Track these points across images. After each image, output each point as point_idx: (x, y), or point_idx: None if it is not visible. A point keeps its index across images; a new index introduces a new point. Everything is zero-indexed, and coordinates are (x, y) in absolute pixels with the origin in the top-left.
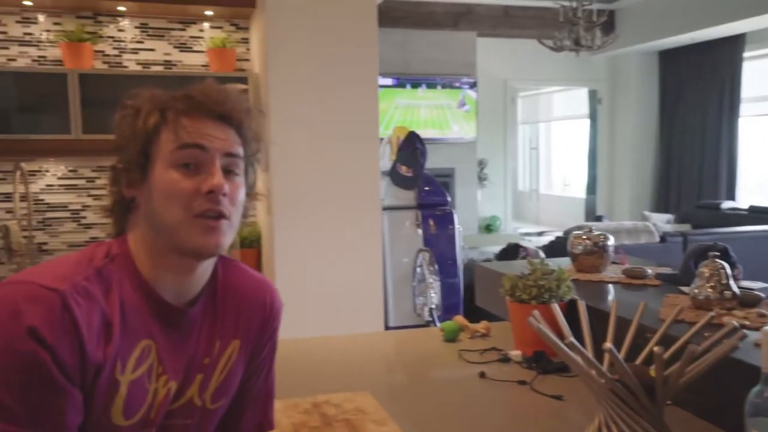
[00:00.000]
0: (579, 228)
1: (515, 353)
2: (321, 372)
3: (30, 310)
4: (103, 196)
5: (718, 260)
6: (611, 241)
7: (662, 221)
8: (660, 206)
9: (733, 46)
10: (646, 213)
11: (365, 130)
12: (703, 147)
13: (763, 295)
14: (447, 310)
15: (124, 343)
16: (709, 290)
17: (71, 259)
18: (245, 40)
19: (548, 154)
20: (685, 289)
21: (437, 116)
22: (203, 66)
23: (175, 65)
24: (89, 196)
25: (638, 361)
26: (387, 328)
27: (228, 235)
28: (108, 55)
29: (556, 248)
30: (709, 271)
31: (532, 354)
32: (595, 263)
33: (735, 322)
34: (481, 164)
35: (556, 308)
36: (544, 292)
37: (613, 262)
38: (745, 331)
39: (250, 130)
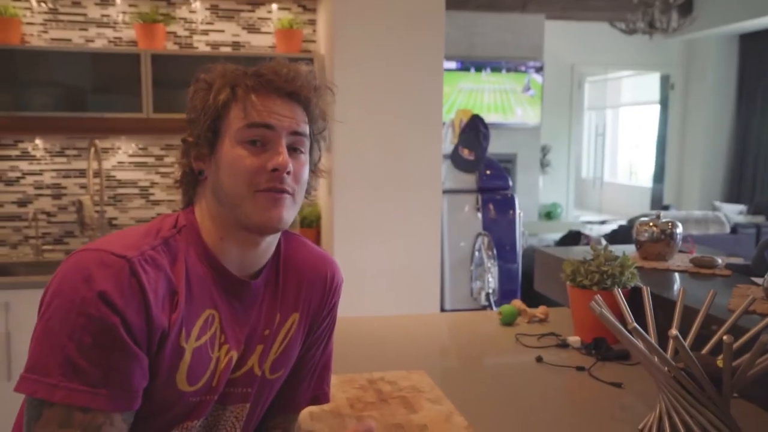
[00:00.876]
0: (645, 216)
1: (574, 339)
2: (377, 350)
3: (101, 275)
4: (170, 173)
5: None
6: (679, 229)
7: (734, 212)
8: (732, 197)
9: None
10: (717, 203)
11: (429, 113)
12: None
13: None
14: (504, 295)
15: (189, 312)
16: None
17: (140, 230)
18: (312, 22)
19: (614, 141)
20: (757, 280)
21: (501, 100)
22: (270, 47)
23: (243, 46)
24: (157, 173)
25: (705, 351)
26: (443, 310)
27: (291, 211)
28: (179, 36)
29: (619, 237)
30: None
31: (592, 340)
32: (662, 251)
33: None
34: (544, 150)
35: (619, 294)
36: (607, 278)
37: (681, 251)
38: None
39: (317, 108)
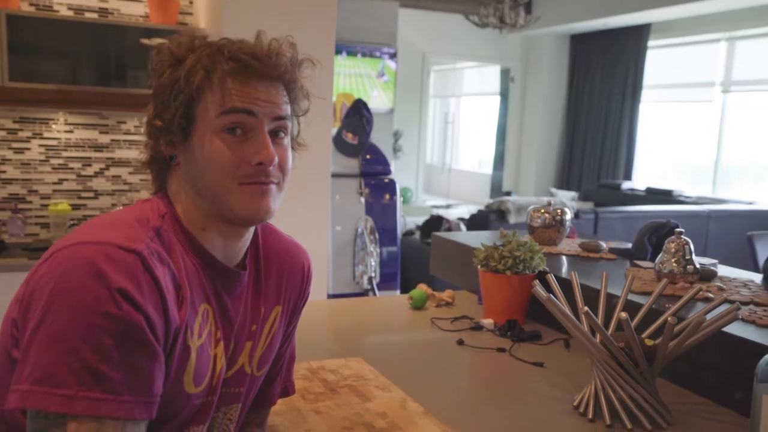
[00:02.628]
0: (535, 202)
1: (487, 321)
2: (301, 338)
3: (113, 270)
4: (25, 149)
5: (683, 237)
6: (568, 216)
7: (567, 198)
8: (563, 184)
9: (639, 34)
10: (552, 190)
11: (319, 94)
12: (606, 129)
13: (715, 269)
14: (384, 279)
15: (191, 307)
16: (674, 264)
17: (128, 218)
18: None
19: (458, 129)
20: (640, 262)
21: (357, 85)
22: (142, 17)
23: (111, 13)
24: (9, 149)
25: (646, 333)
26: (327, 296)
27: (278, 200)
28: None
29: (477, 220)
30: (675, 247)
31: (505, 322)
32: (553, 236)
33: (720, 296)
34: (396, 136)
35: (552, 278)
36: (519, 263)
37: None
38: (737, 304)
39: (301, 88)
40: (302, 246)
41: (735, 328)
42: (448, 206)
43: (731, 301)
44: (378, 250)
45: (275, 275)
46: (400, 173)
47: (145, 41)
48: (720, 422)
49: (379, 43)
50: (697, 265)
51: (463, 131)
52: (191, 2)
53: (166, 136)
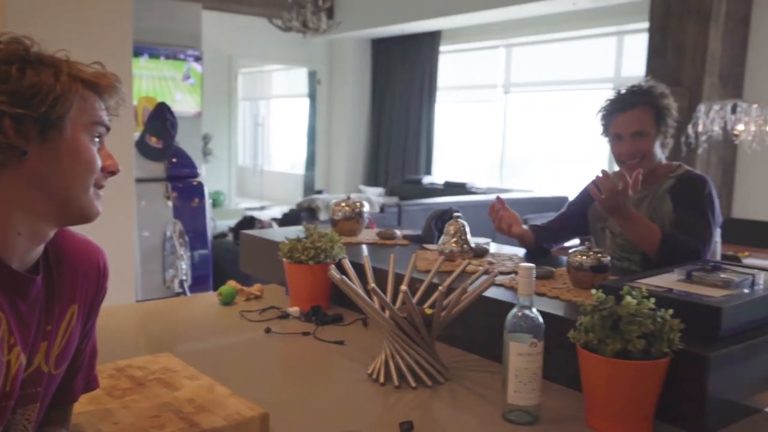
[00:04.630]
0: (338, 197)
1: (293, 309)
2: (109, 340)
3: None
4: None
5: (460, 220)
6: (366, 208)
7: (375, 194)
8: (371, 181)
9: (432, 40)
10: (361, 187)
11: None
12: (408, 128)
13: (488, 247)
14: (197, 281)
15: None
16: (453, 245)
17: None
18: None
19: (269, 131)
20: (428, 246)
21: (160, 87)
22: None
23: None
24: None
25: (397, 304)
26: (137, 302)
27: None
28: None
29: (289, 219)
30: (454, 229)
31: (309, 309)
32: (353, 228)
33: (482, 268)
34: (206, 139)
35: (347, 263)
36: (321, 253)
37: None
38: (493, 273)
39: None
40: (96, 244)
41: (495, 293)
42: (261, 208)
43: (504, 273)
44: (189, 254)
45: (69, 275)
46: (211, 177)
47: None
48: (486, 372)
49: (182, 45)
50: (473, 245)
51: (274, 133)
52: None
53: (20, 125)
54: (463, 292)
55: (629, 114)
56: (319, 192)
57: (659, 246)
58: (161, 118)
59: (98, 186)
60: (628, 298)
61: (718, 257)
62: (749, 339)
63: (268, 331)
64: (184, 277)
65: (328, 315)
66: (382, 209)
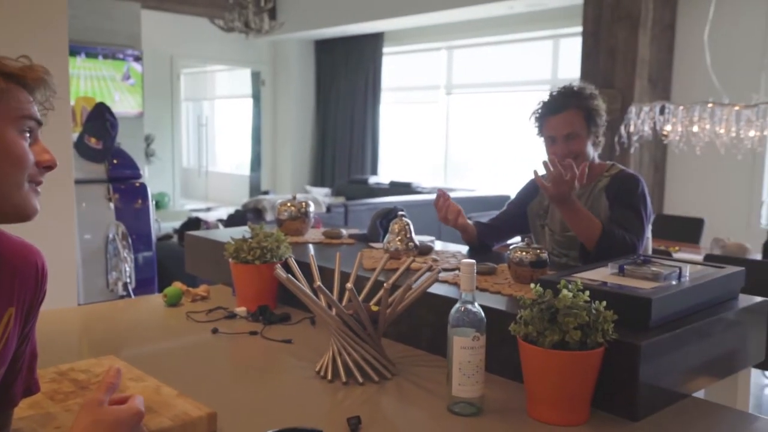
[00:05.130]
0: (283, 198)
1: (240, 309)
2: (51, 344)
3: None
4: None
5: (405, 218)
6: (312, 208)
7: (321, 194)
8: (318, 181)
9: (375, 42)
10: (308, 187)
11: (55, 99)
12: (353, 129)
13: (433, 245)
14: (141, 284)
15: None
16: (398, 243)
17: None
18: None
19: (214, 131)
20: (374, 244)
21: (99, 87)
22: None
23: None
24: None
25: (344, 302)
26: (79, 305)
27: None
28: None
29: (235, 220)
30: (398, 228)
31: (256, 308)
32: (299, 227)
33: (426, 265)
34: (148, 140)
35: (294, 263)
36: (267, 253)
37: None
38: (437, 270)
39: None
40: (33, 246)
41: (439, 289)
42: (207, 209)
43: (447, 270)
44: (132, 256)
45: (7, 276)
46: (154, 178)
47: None
48: (432, 367)
49: (121, 45)
50: (417, 242)
51: (218, 134)
52: None
53: None
54: (407, 289)
55: (560, 117)
56: (266, 192)
57: (599, 239)
58: (101, 119)
59: (34, 182)
60: (565, 292)
61: (650, 252)
62: (677, 328)
63: (215, 331)
64: (127, 280)
65: (275, 314)
66: (329, 209)
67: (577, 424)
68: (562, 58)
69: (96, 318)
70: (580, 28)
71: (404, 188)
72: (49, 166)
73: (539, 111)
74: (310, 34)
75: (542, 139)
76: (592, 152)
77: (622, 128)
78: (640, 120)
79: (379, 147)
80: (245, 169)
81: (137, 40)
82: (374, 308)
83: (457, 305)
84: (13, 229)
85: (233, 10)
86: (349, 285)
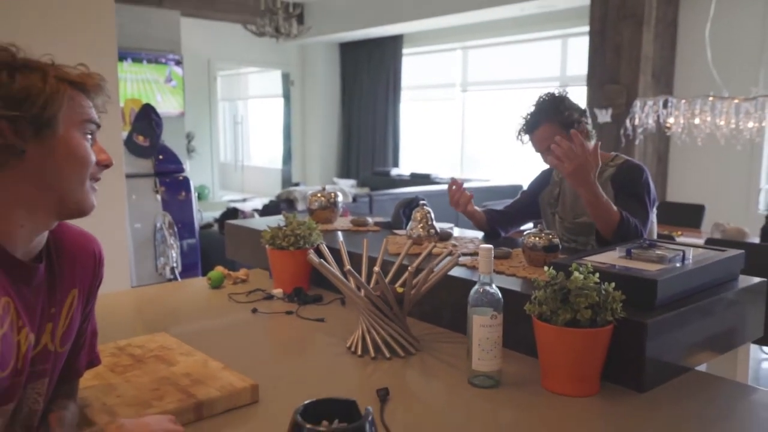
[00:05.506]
0: (313, 189)
1: (277, 291)
2: (109, 323)
3: None
4: None
5: (426, 207)
6: (340, 198)
7: (347, 185)
8: (344, 173)
9: (395, 43)
10: (335, 179)
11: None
12: (375, 125)
13: (452, 231)
14: (186, 268)
15: None
16: (421, 229)
17: None
18: None
19: (248, 129)
20: (397, 231)
21: (144, 90)
22: None
23: None
24: None
25: (371, 284)
26: (132, 288)
27: None
28: None
29: (269, 210)
30: (420, 216)
31: (291, 290)
32: (329, 216)
33: (446, 250)
34: (189, 137)
35: (324, 247)
36: (300, 239)
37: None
38: (457, 254)
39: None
40: (91, 234)
41: (458, 272)
42: (243, 200)
43: (466, 254)
44: (178, 243)
45: (69, 262)
46: (195, 172)
47: None
48: (453, 343)
49: (163, 50)
50: (438, 229)
51: (252, 131)
52: None
53: (16, 125)
54: (430, 272)
55: (536, 134)
56: (296, 184)
57: (617, 227)
58: (147, 118)
59: (94, 179)
60: (576, 274)
61: (655, 236)
62: (680, 307)
63: (254, 311)
64: (174, 265)
65: (308, 295)
66: (355, 199)
67: (587, 395)
68: (570, 56)
69: (148, 299)
70: (587, 28)
71: (424, 179)
72: (107, 165)
73: (520, 131)
74: (335, 37)
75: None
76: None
77: (628, 121)
78: (644, 113)
79: (399, 141)
80: (277, 163)
81: (177, 46)
82: (399, 290)
83: (476, 286)
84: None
85: (264, 16)
86: (376, 268)
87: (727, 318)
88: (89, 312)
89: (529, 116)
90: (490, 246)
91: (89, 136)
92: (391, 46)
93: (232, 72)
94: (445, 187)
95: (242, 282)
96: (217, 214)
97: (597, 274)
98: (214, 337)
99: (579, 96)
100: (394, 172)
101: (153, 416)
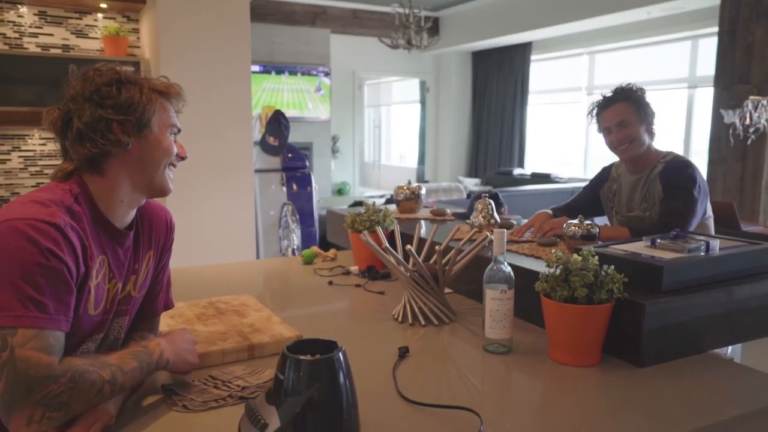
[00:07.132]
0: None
1: (354, 268)
2: (213, 284)
3: (43, 238)
4: (4, 160)
5: (487, 199)
6: (423, 191)
7: (472, 184)
8: (472, 172)
9: (524, 51)
10: (460, 177)
11: (240, 108)
12: (503, 127)
13: (515, 222)
14: None
15: (92, 259)
16: (481, 219)
17: (44, 199)
18: (136, 30)
19: (388, 132)
20: (469, 221)
21: (298, 98)
22: (98, 50)
23: (72, 49)
24: None
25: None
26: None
27: None
28: (9, 38)
29: (391, 202)
30: (481, 206)
31: (366, 268)
32: (412, 207)
33: (488, 234)
34: (334, 139)
35: (380, 231)
36: (375, 224)
37: (425, 207)
38: (489, 237)
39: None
40: (164, 206)
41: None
42: (381, 196)
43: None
44: (299, 229)
45: (147, 229)
46: (339, 170)
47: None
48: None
49: (315, 63)
50: (498, 219)
51: (391, 134)
52: (138, 38)
53: (124, 126)
54: (458, 253)
55: (612, 108)
56: (426, 182)
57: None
58: (277, 122)
59: (172, 165)
60: (575, 256)
61: (712, 229)
62: (688, 293)
63: (330, 283)
64: (294, 247)
65: (379, 272)
66: (469, 195)
67: (588, 366)
68: (700, 57)
69: (253, 269)
70: (715, 29)
71: (544, 178)
72: (183, 157)
73: (595, 108)
74: (468, 46)
75: (601, 134)
76: (647, 139)
77: (737, 121)
78: (756, 113)
79: (525, 143)
80: (413, 163)
81: (327, 59)
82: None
83: (491, 264)
84: (201, 204)
85: (398, 30)
86: (408, 246)
87: (751, 308)
88: (164, 266)
89: (605, 97)
90: (504, 230)
91: (173, 136)
92: (521, 53)
93: (375, 81)
94: (562, 185)
95: (331, 260)
96: (345, 206)
97: (596, 257)
98: (290, 301)
99: (706, 97)
100: (517, 171)
101: (176, 331)
